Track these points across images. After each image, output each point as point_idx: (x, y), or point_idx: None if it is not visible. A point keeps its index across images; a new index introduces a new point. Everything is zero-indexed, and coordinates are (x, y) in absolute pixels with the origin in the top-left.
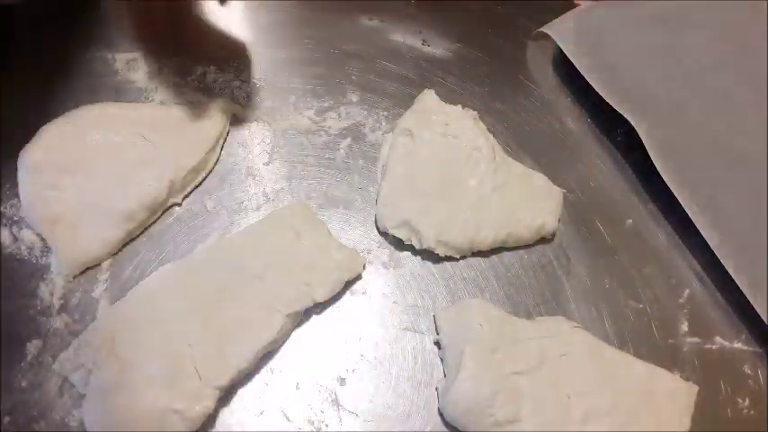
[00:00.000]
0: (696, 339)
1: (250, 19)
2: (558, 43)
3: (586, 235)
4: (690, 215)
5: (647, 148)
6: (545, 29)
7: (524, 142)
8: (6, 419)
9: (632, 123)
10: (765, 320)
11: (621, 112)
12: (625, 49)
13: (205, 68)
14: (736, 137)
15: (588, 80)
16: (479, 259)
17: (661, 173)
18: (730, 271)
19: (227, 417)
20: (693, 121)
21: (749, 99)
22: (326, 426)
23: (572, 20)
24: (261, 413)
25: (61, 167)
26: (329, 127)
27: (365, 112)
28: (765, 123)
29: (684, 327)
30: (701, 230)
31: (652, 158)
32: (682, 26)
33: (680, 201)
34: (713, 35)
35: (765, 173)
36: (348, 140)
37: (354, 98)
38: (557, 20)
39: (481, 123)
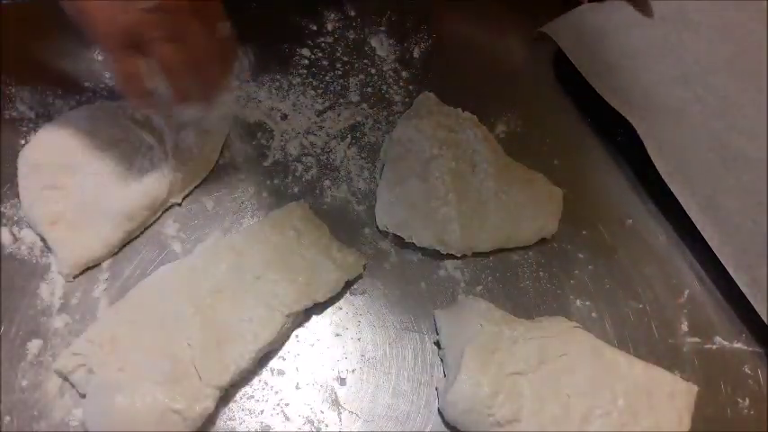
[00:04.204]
0: (696, 339)
1: (250, 19)
2: (558, 43)
3: (586, 235)
4: (690, 216)
5: (647, 148)
6: (545, 29)
7: (524, 143)
8: (6, 419)
9: (632, 124)
10: (766, 321)
11: (622, 113)
12: (625, 49)
13: None
14: (736, 137)
15: (588, 80)
16: (479, 259)
17: (661, 173)
18: (730, 271)
19: (227, 417)
20: (693, 121)
21: (748, 99)
22: (326, 426)
23: (572, 20)
24: (261, 413)
25: (61, 167)
26: (329, 127)
27: (365, 112)
28: (765, 123)
29: (684, 327)
30: (701, 231)
31: (652, 159)
32: (681, 26)
33: (680, 201)
34: (712, 35)
35: (765, 173)
36: (348, 140)
37: (354, 98)
38: (556, 20)
39: (481, 125)
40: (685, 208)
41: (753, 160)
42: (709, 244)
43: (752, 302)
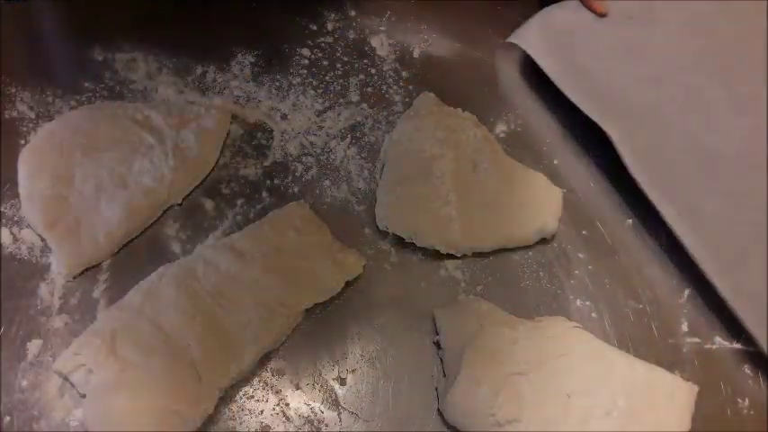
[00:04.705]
0: (696, 339)
1: (250, 19)
2: (527, 51)
3: (586, 235)
4: (671, 225)
5: (620, 154)
6: (512, 39)
7: (524, 142)
8: (6, 419)
9: (604, 129)
10: (747, 327)
11: (595, 120)
12: (595, 50)
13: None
14: (711, 135)
15: (559, 87)
16: (479, 259)
17: (637, 181)
18: (713, 279)
19: (227, 417)
20: (667, 121)
21: (722, 95)
22: (326, 426)
23: (539, 24)
24: (261, 413)
25: (61, 167)
26: (329, 127)
27: (365, 112)
28: (737, 119)
29: (684, 327)
30: (682, 239)
31: (627, 167)
32: (649, 24)
33: (659, 209)
34: (682, 31)
35: (742, 171)
36: (348, 140)
37: (354, 98)
38: (524, 26)
39: (481, 125)
40: (664, 216)
41: (728, 159)
42: (688, 250)
43: (732, 307)
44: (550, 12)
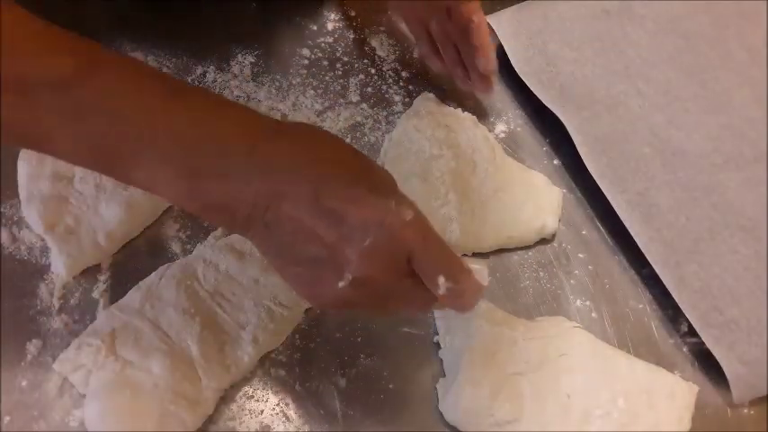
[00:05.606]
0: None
1: (250, 19)
2: (497, 33)
3: (586, 235)
4: (618, 213)
5: (576, 143)
6: (488, 18)
7: (524, 143)
8: (6, 419)
9: (562, 119)
10: (690, 319)
11: (552, 108)
12: (567, 39)
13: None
14: (675, 132)
15: (520, 75)
16: (479, 259)
17: (590, 169)
18: (657, 270)
19: (227, 417)
20: (632, 115)
21: (691, 93)
22: (326, 426)
23: (515, 12)
24: (261, 413)
25: (61, 167)
26: (329, 127)
27: (365, 112)
28: (705, 118)
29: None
30: (629, 228)
31: (581, 154)
32: (626, 19)
33: (608, 198)
34: (657, 28)
35: (703, 168)
36: (348, 140)
37: (354, 98)
38: (502, 11)
39: (481, 125)
40: (613, 204)
41: (691, 155)
42: (637, 241)
43: (677, 300)
44: (528, 3)
